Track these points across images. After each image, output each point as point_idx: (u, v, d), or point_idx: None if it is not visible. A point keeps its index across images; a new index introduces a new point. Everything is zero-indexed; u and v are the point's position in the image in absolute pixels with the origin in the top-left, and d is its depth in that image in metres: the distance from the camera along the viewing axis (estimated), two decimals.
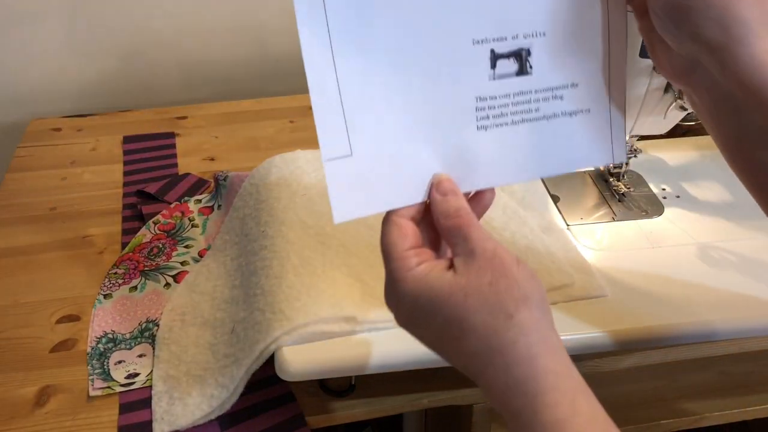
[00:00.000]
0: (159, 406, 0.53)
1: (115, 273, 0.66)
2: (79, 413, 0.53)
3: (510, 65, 0.39)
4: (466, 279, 0.35)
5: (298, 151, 0.70)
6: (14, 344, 0.59)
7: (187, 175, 0.80)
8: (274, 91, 1.03)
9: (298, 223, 0.60)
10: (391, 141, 0.39)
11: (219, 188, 0.74)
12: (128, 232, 0.72)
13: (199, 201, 0.75)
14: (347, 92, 0.37)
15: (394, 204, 0.38)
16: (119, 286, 0.64)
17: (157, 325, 0.60)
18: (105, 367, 0.56)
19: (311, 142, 0.88)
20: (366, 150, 0.38)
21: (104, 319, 0.61)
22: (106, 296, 0.63)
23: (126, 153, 0.85)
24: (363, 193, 0.38)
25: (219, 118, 0.93)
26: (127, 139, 0.88)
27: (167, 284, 0.64)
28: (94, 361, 0.57)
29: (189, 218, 0.73)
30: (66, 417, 0.53)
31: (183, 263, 0.67)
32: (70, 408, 0.54)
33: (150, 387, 0.54)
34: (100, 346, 0.58)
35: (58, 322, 0.61)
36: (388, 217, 0.38)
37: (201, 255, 0.68)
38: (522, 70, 0.40)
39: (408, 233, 0.37)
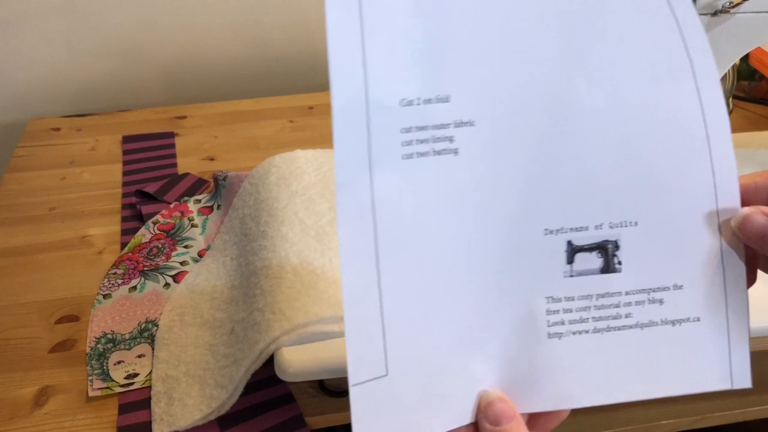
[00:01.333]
0: (158, 406, 0.53)
1: (115, 273, 0.66)
2: (79, 413, 0.53)
3: (592, 260, 0.32)
4: None
5: (297, 151, 0.70)
6: (13, 344, 0.59)
7: (186, 174, 0.80)
8: (274, 91, 1.03)
9: (298, 223, 0.60)
10: (436, 352, 0.31)
11: (218, 188, 0.74)
12: (127, 232, 0.72)
13: (199, 201, 0.75)
14: (390, 298, 0.30)
15: (433, 429, 0.31)
16: (118, 286, 0.64)
17: (157, 326, 0.60)
18: (104, 367, 0.56)
19: (311, 142, 0.88)
20: (404, 367, 0.30)
21: (103, 319, 0.61)
22: (105, 296, 0.63)
23: (125, 153, 0.85)
24: (395, 419, 0.31)
25: (219, 118, 0.93)
26: (126, 139, 0.87)
27: (167, 284, 0.64)
28: (93, 362, 0.57)
29: (188, 218, 0.73)
30: (65, 417, 0.53)
31: (182, 263, 0.67)
32: (69, 408, 0.53)
33: (149, 387, 0.54)
34: (99, 346, 0.58)
35: (58, 322, 0.61)
36: None
37: (200, 255, 0.68)
38: (608, 268, 0.33)
39: None
